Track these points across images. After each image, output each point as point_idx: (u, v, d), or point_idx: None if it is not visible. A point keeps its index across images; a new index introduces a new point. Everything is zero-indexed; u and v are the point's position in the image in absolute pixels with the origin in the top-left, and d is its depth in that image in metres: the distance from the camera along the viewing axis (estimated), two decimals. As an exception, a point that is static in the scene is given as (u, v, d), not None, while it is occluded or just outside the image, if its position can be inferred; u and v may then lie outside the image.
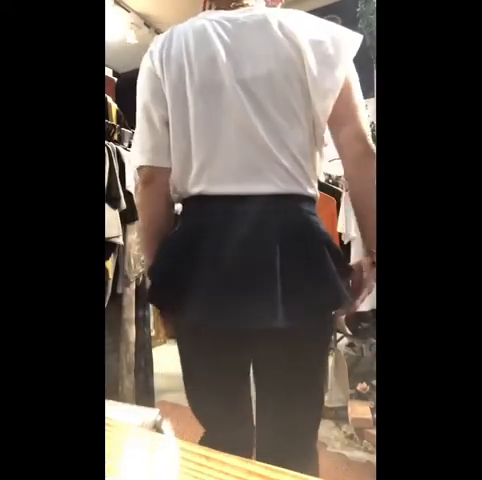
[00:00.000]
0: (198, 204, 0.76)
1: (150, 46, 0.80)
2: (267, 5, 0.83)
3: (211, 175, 0.73)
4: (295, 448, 0.78)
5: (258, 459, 0.80)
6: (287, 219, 0.71)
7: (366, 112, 0.74)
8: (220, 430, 0.83)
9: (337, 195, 2.64)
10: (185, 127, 0.75)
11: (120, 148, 1.75)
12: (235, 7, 0.76)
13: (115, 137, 1.82)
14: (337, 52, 0.71)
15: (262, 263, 0.67)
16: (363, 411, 1.85)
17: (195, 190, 0.75)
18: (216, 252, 0.69)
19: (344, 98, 0.72)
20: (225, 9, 0.77)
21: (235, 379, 0.83)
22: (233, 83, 0.71)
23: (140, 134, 0.79)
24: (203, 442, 0.83)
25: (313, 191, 0.77)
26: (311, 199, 0.77)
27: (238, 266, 0.68)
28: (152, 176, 0.79)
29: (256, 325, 0.67)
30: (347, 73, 0.72)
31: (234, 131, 0.72)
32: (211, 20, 0.74)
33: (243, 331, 0.70)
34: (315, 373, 0.79)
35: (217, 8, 0.79)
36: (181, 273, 0.72)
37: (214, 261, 0.69)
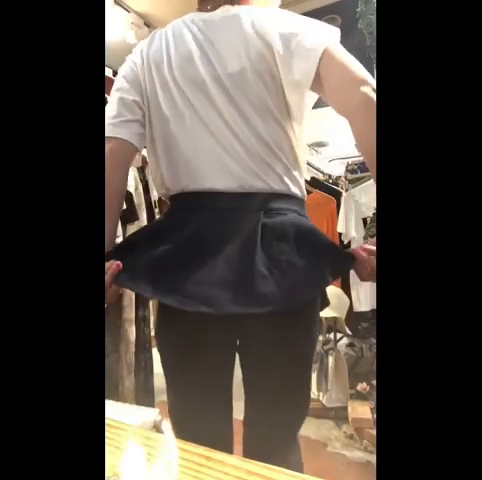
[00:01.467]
0: (184, 201, 0.76)
1: (133, 49, 0.83)
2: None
3: (195, 172, 0.74)
4: (282, 440, 0.79)
5: (245, 453, 0.79)
6: (274, 217, 0.70)
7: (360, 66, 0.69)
8: (199, 430, 0.76)
9: (337, 195, 2.65)
10: (166, 123, 0.76)
11: (120, 148, 1.75)
12: (213, 8, 0.78)
13: (115, 137, 1.82)
14: (308, 43, 0.69)
15: (245, 251, 0.67)
16: (363, 411, 1.85)
17: (180, 187, 0.75)
18: (197, 239, 0.69)
19: (329, 60, 0.68)
20: (204, 11, 0.79)
21: (218, 370, 0.80)
22: (210, 80, 0.72)
23: (109, 109, 0.79)
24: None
25: (298, 190, 0.76)
26: (297, 199, 0.76)
27: (221, 252, 0.67)
28: (112, 148, 0.75)
29: (237, 311, 0.65)
30: (327, 45, 0.68)
31: (215, 128, 0.72)
32: (186, 21, 0.78)
33: (227, 318, 0.69)
34: (302, 361, 0.78)
35: (198, 10, 0.82)
36: (158, 255, 0.69)
37: (196, 247, 0.68)
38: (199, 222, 0.70)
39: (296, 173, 0.75)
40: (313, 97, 0.77)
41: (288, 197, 0.74)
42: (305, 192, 0.79)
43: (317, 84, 0.70)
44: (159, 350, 0.82)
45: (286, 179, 0.73)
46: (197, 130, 0.74)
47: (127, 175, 0.81)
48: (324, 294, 0.82)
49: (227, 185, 0.72)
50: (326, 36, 0.70)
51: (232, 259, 0.67)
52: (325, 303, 0.83)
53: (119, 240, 1.69)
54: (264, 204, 0.72)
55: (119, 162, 0.77)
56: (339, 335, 2.37)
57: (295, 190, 0.75)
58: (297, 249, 0.67)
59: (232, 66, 0.72)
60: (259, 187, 0.72)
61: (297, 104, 0.73)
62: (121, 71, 0.82)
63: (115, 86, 0.81)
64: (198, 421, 0.78)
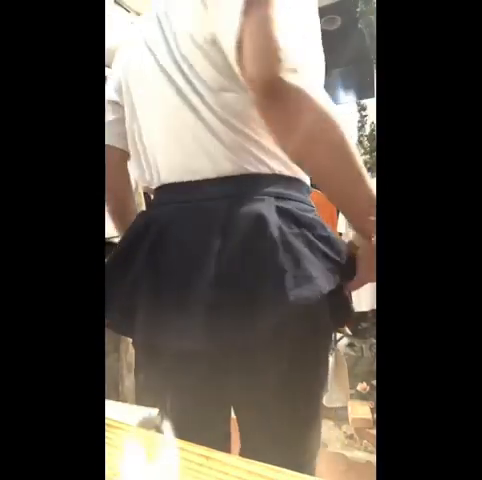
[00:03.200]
0: (155, 198, 0.68)
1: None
2: None
3: (154, 162, 0.65)
4: None
5: None
6: (247, 205, 0.55)
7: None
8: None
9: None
10: (131, 111, 0.70)
11: (120, 148, 1.75)
12: None
13: (115, 137, 1.82)
14: None
15: (195, 268, 0.54)
16: (363, 411, 1.85)
17: (147, 182, 0.68)
18: (151, 254, 0.59)
19: (251, 13, 0.49)
20: None
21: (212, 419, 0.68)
22: (167, 57, 0.61)
23: None
24: None
25: (283, 167, 0.59)
26: (283, 178, 0.59)
27: (170, 273, 0.56)
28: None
29: (179, 344, 0.56)
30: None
31: (169, 108, 0.62)
32: None
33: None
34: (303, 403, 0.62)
35: None
36: (118, 279, 0.61)
37: (146, 267, 0.58)
38: (154, 224, 0.61)
39: (272, 147, 0.59)
40: None
41: (268, 177, 0.58)
42: (295, 168, 0.61)
43: None
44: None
45: (260, 155, 0.58)
46: (152, 113, 0.65)
47: (120, 177, 0.78)
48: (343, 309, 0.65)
49: (187, 172, 0.61)
50: None
51: (185, 281, 0.55)
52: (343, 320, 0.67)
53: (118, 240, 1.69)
54: (236, 189, 0.57)
55: (111, 169, 0.75)
56: (339, 335, 2.37)
57: (278, 166, 0.59)
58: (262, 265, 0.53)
59: (179, 30, 0.59)
60: (230, 169, 0.58)
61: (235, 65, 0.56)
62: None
63: None
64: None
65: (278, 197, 0.57)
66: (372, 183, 0.53)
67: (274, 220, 0.54)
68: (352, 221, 0.60)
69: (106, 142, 0.74)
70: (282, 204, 0.56)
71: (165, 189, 0.65)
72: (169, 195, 0.64)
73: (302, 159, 0.54)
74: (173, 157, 0.63)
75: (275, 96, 0.49)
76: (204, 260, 0.54)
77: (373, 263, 0.52)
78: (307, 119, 0.49)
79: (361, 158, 0.55)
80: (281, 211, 0.56)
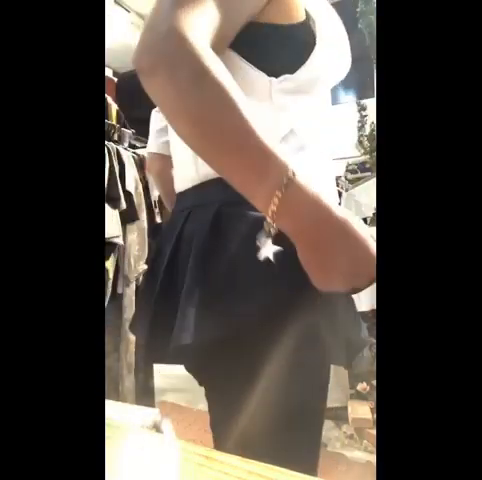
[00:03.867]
0: None
1: None
2: None
3: (176, 169, 0.69)
4: None
5: None
6: (192, 219, 0.57)
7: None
8: None
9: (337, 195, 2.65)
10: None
11: (120, 148, 1.75)
12: None
13: (115, 137, 1.82)
14: None
15: (156, 278, 0.59)
16: (363, 411, 1.85)
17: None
18: (158, 262, 0.64)
19: None
20: None
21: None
22: None
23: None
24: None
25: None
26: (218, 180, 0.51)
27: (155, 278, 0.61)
28: (151, 162, 0.87)
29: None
30: None
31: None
32: None
33: None
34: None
35: None
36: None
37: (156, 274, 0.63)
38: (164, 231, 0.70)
39: None
40: None
41: (222, 181, 0.46)
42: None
43: None
44: None
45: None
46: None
47: (164, 180, 0.83)
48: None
49: (181, 182, 0.64)
50: None
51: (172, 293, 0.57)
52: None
53: (119, 240, 1.69)
54: (197, 197, 0.58)
55: (153, 173, 0.86)
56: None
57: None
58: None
59: None
60: (202, 175, 0.56)
61: None
62: None
63: None
64: None
65: (227, 202, 0.51)
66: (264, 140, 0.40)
67: (206, 237, 0.51)
68: (244, 192, 0.43)
69: (155, 151, 0.82)
70: (231, 209, 0.51)
71: (176, 197, 0.69)
72: (176, 204, 0.69)
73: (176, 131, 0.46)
74: (179, 166, 0.66)
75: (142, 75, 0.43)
76: (159, 271, 0.59)
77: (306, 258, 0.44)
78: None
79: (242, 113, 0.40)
80: (228, 217, 0.51)
